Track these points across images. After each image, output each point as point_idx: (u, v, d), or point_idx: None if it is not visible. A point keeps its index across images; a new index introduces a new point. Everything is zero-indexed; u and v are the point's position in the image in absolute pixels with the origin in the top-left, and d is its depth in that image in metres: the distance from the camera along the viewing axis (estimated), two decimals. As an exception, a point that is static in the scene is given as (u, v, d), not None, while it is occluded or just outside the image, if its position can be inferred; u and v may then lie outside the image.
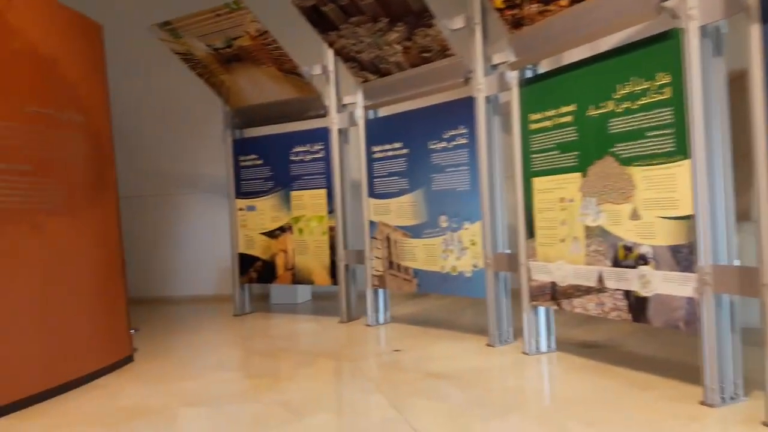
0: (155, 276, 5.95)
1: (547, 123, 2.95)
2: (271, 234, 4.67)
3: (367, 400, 2.53)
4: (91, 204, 3.08)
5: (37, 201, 2.74)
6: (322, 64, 4.24)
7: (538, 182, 3.02)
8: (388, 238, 3.94)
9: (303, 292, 5.44)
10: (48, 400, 2.68)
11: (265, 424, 2.27)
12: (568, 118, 2.84)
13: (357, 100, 4.09)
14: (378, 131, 4.01)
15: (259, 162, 4.72)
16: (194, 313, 5.18)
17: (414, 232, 3.78)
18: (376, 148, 4.01)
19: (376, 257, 4.03)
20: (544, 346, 3.12)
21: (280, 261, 4.64)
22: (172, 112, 5.93)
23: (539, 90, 3.01)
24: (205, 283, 5.92)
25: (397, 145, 3.87)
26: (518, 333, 3.33)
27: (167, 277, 6.02)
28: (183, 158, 5.98)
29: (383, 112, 4.10)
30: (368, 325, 4.07)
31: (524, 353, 3.10)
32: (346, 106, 4.27)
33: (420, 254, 3.74)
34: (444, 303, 4.91)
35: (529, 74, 3.09)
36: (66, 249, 2.89)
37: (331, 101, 4.26)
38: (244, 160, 4.79)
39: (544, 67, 3.06)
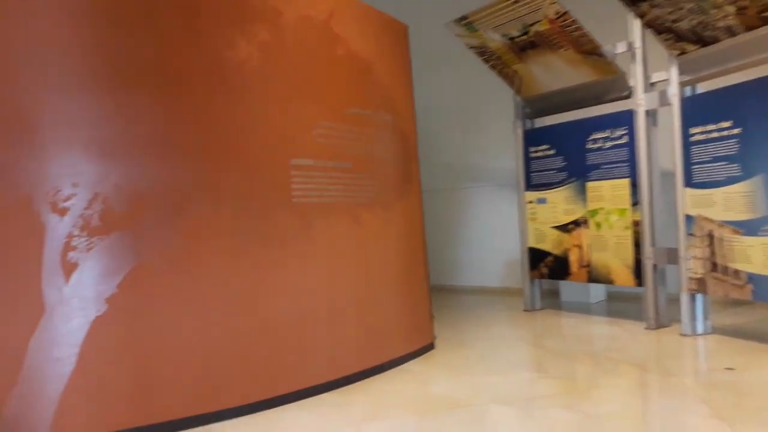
0: (444, 265, 6.18)
1: None
2: (564, 228, 4.41)
3: (705, 426, 2.14)
4: (399, 198, 3.24)
5: (356, 195, 2.97)
6: (627, 40, 3.83)
7: None
8: (711, 235, 3.36)
9: (596, 292, 5.05)
10: (363, 381, 2.89)
11: (582, 438, 2.07)
12: None
13: (670, 76, 3.57)
14: (698, 110, 3.43)
15: (551, 152, 4.49)
16: (482, 304, 5.21)
17: (748, 228, 3.14)
18: (695, 130, 3.44)
19: (694, 257, 3.47)
20: None
21: (573, 257, 4.36)
22: (460, 107, 6.06)
23: None
24: (491, 276, 5.93)
25: (725, 124, 3.25)
26: None
27: (455, 267, 6.20)
28: (471, 152, 6.07)
29: (703, 87, 3.51)
30: (683, 335, 3.53)
31: None
32: (654, 85, 3.79)
33: (757, 255, 3.09)
34: (779, 314, 4.05)
35: None
36: (378, 240, 3.09)
37: (637, 80, 3.81)
38: (535, 151, 4.62)
39: None
